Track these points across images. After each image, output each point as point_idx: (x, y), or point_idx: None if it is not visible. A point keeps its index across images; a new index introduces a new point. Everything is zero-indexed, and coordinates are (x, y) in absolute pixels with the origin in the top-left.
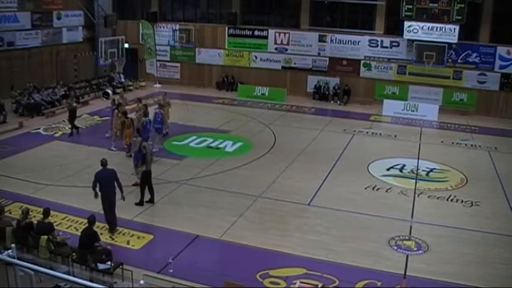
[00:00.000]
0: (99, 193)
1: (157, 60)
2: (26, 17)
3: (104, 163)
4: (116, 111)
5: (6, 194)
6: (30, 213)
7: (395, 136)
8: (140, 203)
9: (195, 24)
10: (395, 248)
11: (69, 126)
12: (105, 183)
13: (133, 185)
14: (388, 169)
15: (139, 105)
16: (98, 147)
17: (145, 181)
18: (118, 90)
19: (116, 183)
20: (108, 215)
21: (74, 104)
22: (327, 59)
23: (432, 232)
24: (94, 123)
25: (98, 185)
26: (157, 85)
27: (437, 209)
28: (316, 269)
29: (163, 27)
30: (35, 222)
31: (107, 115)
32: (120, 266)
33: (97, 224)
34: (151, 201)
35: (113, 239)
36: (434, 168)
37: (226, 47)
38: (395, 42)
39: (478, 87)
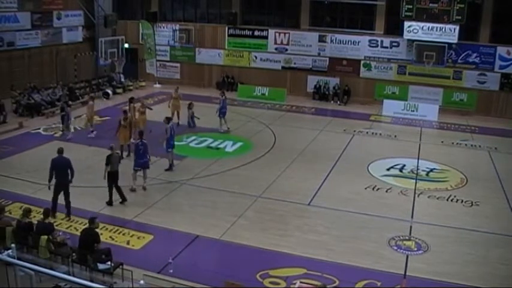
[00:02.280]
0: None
1: (157, 60)
2: (26, 17)
3: (59, 151)
4: (91, 102)
5: (6, 194)
6: (31, 213)
7: (395, 136)
8: (109, 203)
9: (195, 24)
10: (395, 248)
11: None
12: (59, 169)
13: (131, 190)
14: (388, 169)
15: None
16: (98, 147)
17: (111, 182)
18: (118, 90)
19: (69, 171)
20: (65, 201)
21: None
22: (327, 59)
23: (432, 232)
24: (94, 123)
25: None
26: (157, 85)
27: (437, 209)
28: (316, 269)
29: (163, 27)
30: (35, 222)
31: (107, 115)
32: (120, 266)
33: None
34: (122, 201)
35: (113, 239)
36: (434, 168)
37: (226, 47)
38: (395, 42)
39: (478, 87)
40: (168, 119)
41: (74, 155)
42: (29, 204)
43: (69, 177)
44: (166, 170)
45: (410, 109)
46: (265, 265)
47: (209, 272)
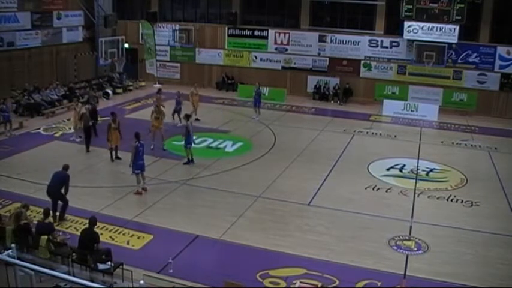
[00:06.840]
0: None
1: (157, 60)
2: (26, 17)
3: (63, 167)
4: (77, 108)
5: (6, 194)
6: (30, 213)
7: (395, 136)
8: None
9: (195, 24)
10: (395, 248)
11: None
12: (52, 179)
13: (135, 193)
14: (388, 169)
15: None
16: (98, 147)
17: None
18: (118, 90)
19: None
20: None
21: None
22: (327, 59)
23: (432, 232)
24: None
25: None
26: (157, 85)
27: (437, 209)
28: (316, 269)
29: (163, 27)
30: (35, 222)
31: (106, 115)
32: (120, 266)
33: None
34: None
35: (113, 239)
36: (434, 168)
37: (226, 47)
38: (395, 42)
39: (478, 87)
40: (188, 116)
41: (74, 155)
42: (30, 204)
43: (63, 190)
44: (185, 163)
45: (410, 109)
46: (265, 265)
47: (209, 272)
